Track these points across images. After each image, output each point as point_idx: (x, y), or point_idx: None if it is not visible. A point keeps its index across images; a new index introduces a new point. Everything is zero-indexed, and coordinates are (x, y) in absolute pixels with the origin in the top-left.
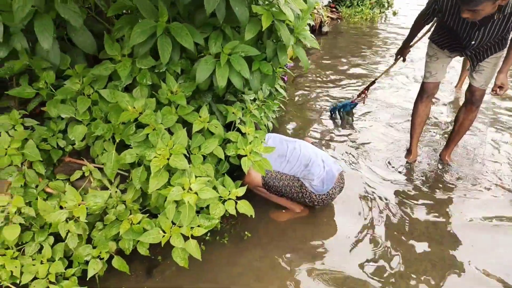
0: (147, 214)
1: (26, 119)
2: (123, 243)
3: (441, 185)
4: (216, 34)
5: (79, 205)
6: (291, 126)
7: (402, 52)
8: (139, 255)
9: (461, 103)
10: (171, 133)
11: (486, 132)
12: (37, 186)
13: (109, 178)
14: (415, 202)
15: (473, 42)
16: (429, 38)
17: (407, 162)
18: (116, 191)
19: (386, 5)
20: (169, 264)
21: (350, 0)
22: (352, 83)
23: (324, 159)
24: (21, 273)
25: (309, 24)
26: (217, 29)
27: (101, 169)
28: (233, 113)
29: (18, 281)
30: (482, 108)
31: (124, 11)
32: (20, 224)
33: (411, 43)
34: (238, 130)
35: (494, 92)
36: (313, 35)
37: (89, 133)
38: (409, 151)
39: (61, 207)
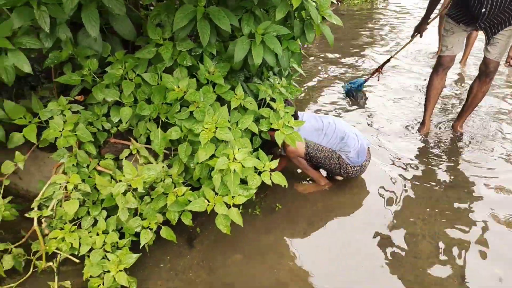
0: (190, 187)
1: (73, 104)
2: (169, 214)
3: (454, 153)
4: (247, 16)
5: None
6: (305, 104)
7: (420, 28)
8: (178, 229)
9: (465, 77)
10: None
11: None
12: (88, 166)
13: (156, 154)
14: (429, 170)
15: (483, 10)
16: (445, 14)
17: (420, 135)
18: (163, 166)
19: None
20: (207, 235)
21: None
22: (359, 65)
23: (357, 133)
24: (79, 245)
25: None
26: (247, 11)
27: (146, 148)
28: (263, 91)
29: (76, 252)
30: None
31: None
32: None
33: (429, 20)
34: (269, 107)
35: (508, 63)
36: None
37: (133, 115)
38: (422, 124)
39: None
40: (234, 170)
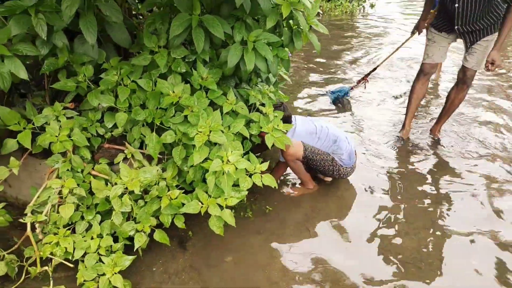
0: (183, 190)
1: (67, 110)
2: (163, 218)
3: (430, 155)
4: (239, 24)
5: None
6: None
7: (418, 26)
8: (171, 232)
9: (438, 86)
10: None
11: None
12: (82, 171)
13: (149, 159)
14: (410, 171)
15: (456, 5)
16: (430, 24)
17: (400, 137)
18: (157, 170)
19: None
20: (199, 238)
21: None
22: (341, 74)
23: (347, 136)
24: (74, 249)
25: None
26: (239, 20)
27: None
28: (253, 96)
29: (70, 257)
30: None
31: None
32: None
33: (426, 19)
34: (258, 112)
35: (486, 68)
36: None
37: (127, 120)
38: (403, 127)
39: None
40: (228, 172)
